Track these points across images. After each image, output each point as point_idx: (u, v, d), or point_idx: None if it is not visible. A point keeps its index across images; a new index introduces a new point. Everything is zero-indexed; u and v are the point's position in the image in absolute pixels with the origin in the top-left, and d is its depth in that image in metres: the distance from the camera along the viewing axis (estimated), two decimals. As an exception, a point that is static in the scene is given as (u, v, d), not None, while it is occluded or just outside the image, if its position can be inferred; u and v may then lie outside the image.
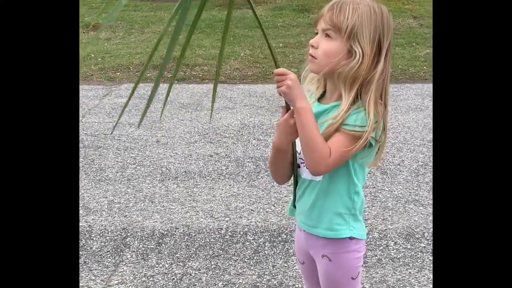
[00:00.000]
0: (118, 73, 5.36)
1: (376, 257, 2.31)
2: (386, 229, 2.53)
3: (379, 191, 2.90)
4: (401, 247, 2.39)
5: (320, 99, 1.36)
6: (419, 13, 7.78)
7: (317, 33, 1.33)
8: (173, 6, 7.57)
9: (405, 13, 7.77)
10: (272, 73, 1.35)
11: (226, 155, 3.41)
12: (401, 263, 2.28)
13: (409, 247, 2.39)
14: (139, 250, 2.38)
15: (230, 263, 2.29)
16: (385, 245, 2.41)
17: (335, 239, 1.35)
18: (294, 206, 1.42)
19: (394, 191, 2.91)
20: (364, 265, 2.26)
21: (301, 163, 1.36)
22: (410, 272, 2.22)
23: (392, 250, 2.37)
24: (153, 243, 2.43)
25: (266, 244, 2.43)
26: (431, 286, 2.13)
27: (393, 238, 2.46)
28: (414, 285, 2.14)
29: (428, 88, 4.76)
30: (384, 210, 2.70)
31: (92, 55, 5.93)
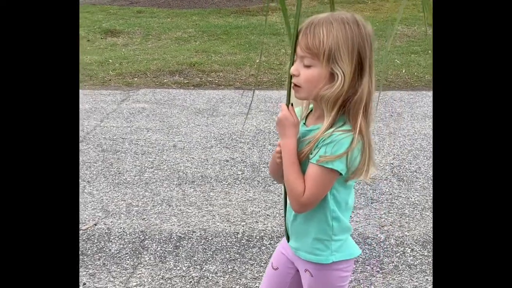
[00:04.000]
0: (136, 79, 5.43)
1: (393, 264, 2.31)
2: (403, 236, 2.53)
3: (396, 198, 2.90)
4: (418, 254, 2.39)
5: (307, 117, 1.36)
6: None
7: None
8: (190, 12, 7.72)
9: (421, 20, 7.75)
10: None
11: (242, 160, 3.43)
12: (418, 269, 2.28)
13: (426, 254, 2.39)
14: (157, 253, 2.41)
15: (247, 267, 2.31)
16: (402, 252, 2.40)
17: (318, 263, 1.34)
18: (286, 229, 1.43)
19: (411, 198, 2.90)
20: (381, 271, 2.27)
21: None
22: (427, 279, 2.22)
23: (409, 257, 2.37)
24: (171, 246, 2.46)
25: (283, 249, 2.44)
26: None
27: (410, 245, 2.45)
28: (431, 292, 2.14)
29: (445, 95, 4.75)
30: (401, 217, 2.70)
31: (110, 61, 6.01)
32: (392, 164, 3.31)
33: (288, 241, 1.40)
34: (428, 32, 7.20)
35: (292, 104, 1.30)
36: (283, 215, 2.71)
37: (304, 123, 1.33)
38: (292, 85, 1.29)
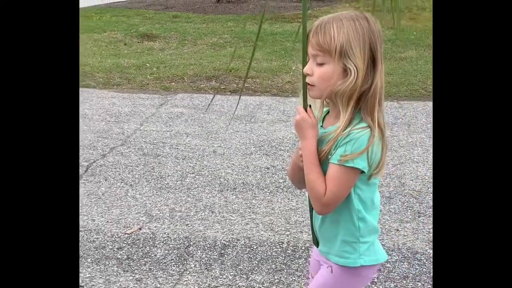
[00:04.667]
0: (173, 83, 5.46)
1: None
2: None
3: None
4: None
5: (324, 118, 1.35)
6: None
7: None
8: (225, 18, 7.78)
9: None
10: None
11: (282, 168, 3.40)
12: None
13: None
14: (202, 260, 2.39)
15: (294, 278, 2.27)
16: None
17: (346, 266, 1.33)
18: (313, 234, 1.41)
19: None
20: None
21: None
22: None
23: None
24: (216, 254, 2.44)
25: (329, 261, 2.39)
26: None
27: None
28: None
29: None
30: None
31: (148, 65, 6.06)
32: (438, 177, 3.23)
33: (317, 246, 1.40)
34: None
35: (310, 106, 1.30)
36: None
37: (321, 125, 1.33)
38: (307, 85, 1.28)
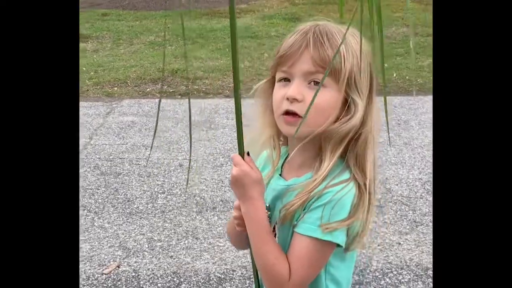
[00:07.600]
0: (116, 88, 5.02)
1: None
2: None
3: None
4: None
5: (283, 164, 0.99)
6: (411, 21, 7.75)
7: (285, 79, 0.92)
8: (158, 14, 7.37)
9: (397, 21, 7.72)
10: None
11: (258, 179, 3.16)
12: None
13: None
14: (200, 300, 2.11)
15: (306, 310, 2.05)
16: None
17: None
18: None
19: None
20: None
21: None
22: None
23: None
24: (213, 290, 2.16)
25: None
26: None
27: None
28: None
29: (444, 100, 4.66)
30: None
31: (84, 68, 5.55)
32: (421, 179, 3.14)
33: None
34: (407, 32, 7.14)
35: (248, 153, 0.94)
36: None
37: (280, 174, 0.98)
38: (282, 115, 0.91)
